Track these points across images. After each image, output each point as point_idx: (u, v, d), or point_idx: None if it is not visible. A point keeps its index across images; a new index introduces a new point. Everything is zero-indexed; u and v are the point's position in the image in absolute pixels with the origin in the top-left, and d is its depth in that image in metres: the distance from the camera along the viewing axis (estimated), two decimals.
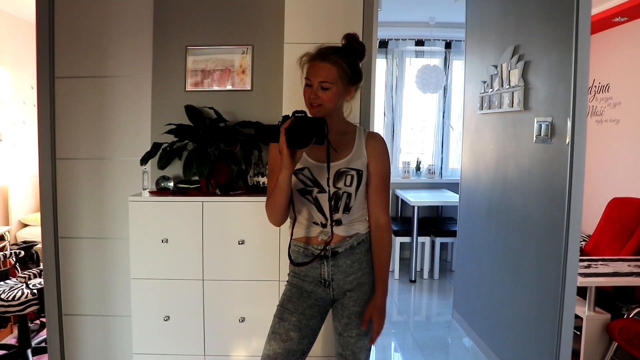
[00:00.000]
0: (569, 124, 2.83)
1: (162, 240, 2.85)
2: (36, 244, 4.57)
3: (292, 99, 2.80)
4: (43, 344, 4.01)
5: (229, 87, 3.13)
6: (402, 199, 6.55)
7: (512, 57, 3.56)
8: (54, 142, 3.10)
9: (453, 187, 6.55)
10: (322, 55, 2.07)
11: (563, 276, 2.85)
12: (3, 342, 4.24)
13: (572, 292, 2.86)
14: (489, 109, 4.02)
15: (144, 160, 2.90)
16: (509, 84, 3.60)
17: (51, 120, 3.08)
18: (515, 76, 3.50)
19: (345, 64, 2.07)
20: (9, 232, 4.76)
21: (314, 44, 2.13)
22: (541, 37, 3.22)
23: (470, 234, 4.50)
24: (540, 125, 3.16)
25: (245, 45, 3.11)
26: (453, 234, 5.90)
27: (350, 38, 2.14)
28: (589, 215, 4.97)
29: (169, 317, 2.90)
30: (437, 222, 6.47)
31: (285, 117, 1.98)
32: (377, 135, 2.23)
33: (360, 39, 2.18)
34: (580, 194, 2.80)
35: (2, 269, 3.91)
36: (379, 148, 2.19)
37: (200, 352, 2.92)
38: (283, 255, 2.84)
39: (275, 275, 2.86)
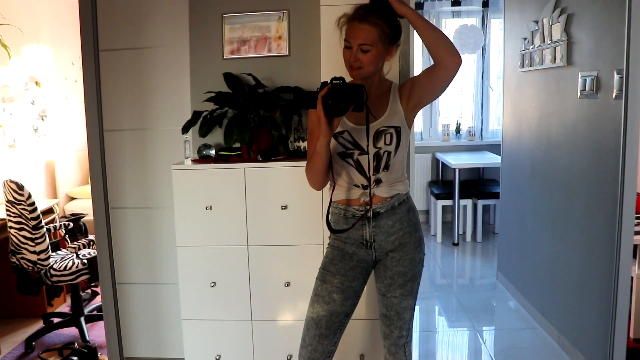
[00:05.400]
0: (616, 77, 2.74)
1: (206, 208, 2.88)
2: (84, 216, 4.68)
3: (330, 63, 2.77)
4: (95, 312, 4.15)
5: (267, 54, 3.12)
6: (442, 162, 6.49)
7: (553, 10, 3.45)
8: (101, 114, 3.14)
9: (494, 148, 6.46)
10: (360, 17, 2.02)
11: (618, 235, 2.77)
12: (58, 310, 4.40)
13: (628, 252, 2.78)
14: (530, 66, 3.92)
15: (185, 129, 2.92)
16: (551, 39, 3.50)
17: (97, 93, 3.11)
18: (557, 30, 3.40)
19: (385, 24, 2.01)
20: (57, 205, 4.88)
21: (351, 5, 2.09)
22: None
23: (514, 194, 4.44)
24: (585, 80, 3.07)
25: (280, 11, 3.08)
26: (495, 195, 5.83)
27: None
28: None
29: (215, 283, 2.94)
30: (478, 184, 6.41)
31: (324, 84, 1.96)
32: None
33: None
34: (635, 149, 2.70)
35: (53, 240, 4.03)
36: (408, 80, 2.18)
37: (247, 316, 2.97)
38: None
39: (319, 239, 2.87)
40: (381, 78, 2.18)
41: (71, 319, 3.95)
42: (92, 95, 3.11)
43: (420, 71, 2.14)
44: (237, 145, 2.98)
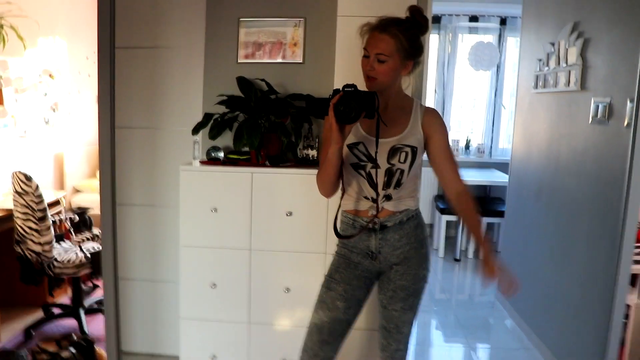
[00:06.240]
0: (629, 105, 2.74)
1: (212, 210, 2.90)
2: (89, 210, 4.71)
3: (344, 73, 2.79)
4: (95, 305, 4.17)
5: (281, 60, 3.14)
6: None
7: (570, 34, 3.45)
8: (114, 110, 3.15)
9: (502, 167, 6.45)
10: (381, 27, 2.04)
11: (617, 263, 2.77)
12: (58, 301, 4.42)
13: (625, 279, 2.78)
14: (544, 87, 3.92)
15: (195, 131, 2.94)
16: (566, 62, 3.50)
17: (111, 89, 3.13)
18: (573, 54, 3.40)
19: (404, 37, 2.02)
20: (64, 197, 4.90)
21: (368, 17, 2.11)
22: (603, 13, 3.10)
23: (519, 214, 4.43)
24: (598, 105, 3.07)
25: (297, 18, 3.10)
26: (500, 214, 5.81)
27: (414, 11, 2.09)
28: None
29: (215, 284, 2.96)
30: (484, 202, 6.38)
31: (336, 91, 1.97)
32: (433, 110, 2.21)
33: None
34: None
35: (58, 232, 4.06)
36: (437, 121, 2.16)
37: (245, 319, 2.98)
38: (330, 228, 2.84)
39: (322, 248, 2.88)
40: (400, 92, 2.19)
41: (71, 311, 3.97)
42: (106, 91, 3.13)
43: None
44: (246, 149, 3.00)
